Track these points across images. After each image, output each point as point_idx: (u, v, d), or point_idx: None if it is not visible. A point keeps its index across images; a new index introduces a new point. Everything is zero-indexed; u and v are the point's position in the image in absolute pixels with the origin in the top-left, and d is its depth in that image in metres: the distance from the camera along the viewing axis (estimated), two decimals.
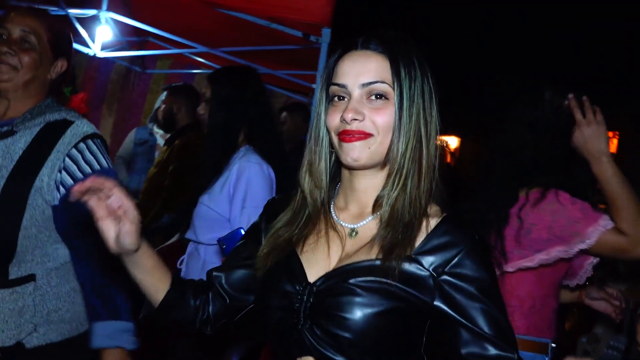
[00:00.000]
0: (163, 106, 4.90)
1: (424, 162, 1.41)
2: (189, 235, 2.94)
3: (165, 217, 4.30)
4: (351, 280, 1.36)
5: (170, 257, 3.29)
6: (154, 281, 1.52)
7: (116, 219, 1.34)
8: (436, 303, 1.37)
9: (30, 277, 2.01)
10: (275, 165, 2.91)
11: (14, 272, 1.99)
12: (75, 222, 2.00)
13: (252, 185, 2.79)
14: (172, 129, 4.81)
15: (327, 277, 1.40)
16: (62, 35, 2.20)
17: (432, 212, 1.45)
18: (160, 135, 5.66)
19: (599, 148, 2.24)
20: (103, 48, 5.38)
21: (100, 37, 5.22)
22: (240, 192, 2.79)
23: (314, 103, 3.65)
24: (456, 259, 1.37)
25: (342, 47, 1.48)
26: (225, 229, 2.82)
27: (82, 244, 2.03)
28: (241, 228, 2.37)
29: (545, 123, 2.39)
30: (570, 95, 2.33)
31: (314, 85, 5.99)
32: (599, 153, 2.23)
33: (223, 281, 1.60)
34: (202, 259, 2.87)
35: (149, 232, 3.99)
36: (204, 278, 1.67)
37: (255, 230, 1.64)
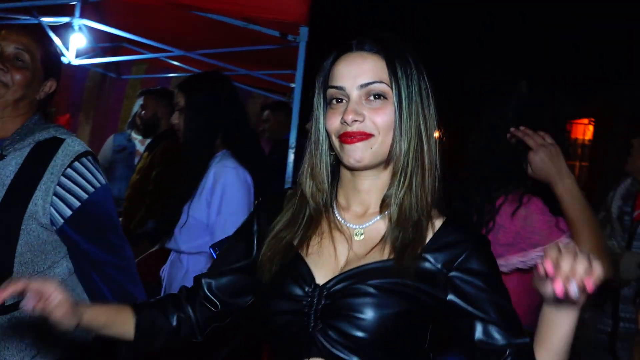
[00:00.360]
0: (144, 111, 4.86)
1: (426, 159, 1.43)
2: (170, 245, 2.92)
3: (150, 222, 4.27)
4: (367, 282, 1.37)
5: (152, 265, 3.27)
6: (118, 328, 1.52)
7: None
8: (450, 297, 1.40)
9: None
10: (252, 168, 2.91)
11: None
12: (88, 230, 2.01)
13: (228, 191, 2.79)
14: (152, 134, 4.79)
15: (339, 279, 1.40)
16: (54, 56, 2.19)
17: (434, 213, 1.47)
18: (138, 141, 5.63)
19: (560, 168, 2.16)
20: (77, 55, 5.31)
21: (74, 44, 5.16)
22: (216, 197, 2.79)
23: (295, 102, 3.70)
24: (463, 256, 1.41)
25: (336, 50, 1.49)
26: (206, 235, 2.81)
27: (96, 249, 2.04)
28: None
29: (515, 119, 2.40)
30: (513, 129, 2.28)
31: (292, 85, 6.00)
32: (561, 174, 2.15)
33: (213, 287, 1.58)
34: (184, 268, 2.86)
35: (135, 238, 3.96)
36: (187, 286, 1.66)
37: (245, 231, 1.62)
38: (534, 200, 2.29)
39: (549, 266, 1.19)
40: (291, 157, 3.69)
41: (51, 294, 1.37)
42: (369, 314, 1.34)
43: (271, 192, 1.66)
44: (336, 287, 1.39)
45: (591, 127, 9.81)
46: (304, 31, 3.72)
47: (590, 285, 1.17)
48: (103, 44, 5.75)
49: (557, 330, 1.32)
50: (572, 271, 1.18)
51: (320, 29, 4.11)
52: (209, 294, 1.58)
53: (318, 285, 1.41)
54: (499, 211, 2.34)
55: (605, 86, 8.68)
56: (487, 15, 8.30)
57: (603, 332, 3.23)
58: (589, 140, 9.94)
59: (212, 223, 2.80)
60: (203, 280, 1.60)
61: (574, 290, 1.17)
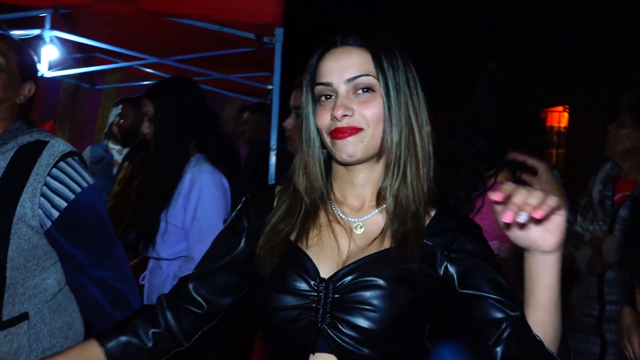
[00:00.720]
0: (122, 120, 4.81)
1: (418, 150, 1.44)
2: (150, 253, 2.90)
3: (131, 233, 4.24)
4: (374, 273, 1.38)
5: (137, 276, 3.25)
6: None
7: None
8: (450, 271, 1.42)
9: (24, 316, 1.97)
10: (228, 171, 2.90)
11: (6, 313, 1.95)
12: (75, 232, 1.99)
13: (204, 195, 2.78)
14: (131, 142, 4.74)
15: (346, 272, 1.40)
16: (29, 59, 2.17)
17: (429, 203, 1.49)
18: (116, 151, 5.58)
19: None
20: (50, 67, 5.26)
21: (46, 56, 5.09)
22: (192, 202, 2.77)
23: (274, 104, 3.70)
24: (459, 240, 1.44)
25: (321, 47, 1.49)
26: (184, 241, 2.80)
27: (82, 252, 2.01)
28: None
29: (485, 96, 2.42)
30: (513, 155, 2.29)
31: (269, 87, 6.01)
32: None
33: (199, 286, 1.55)
34: (164, 275, 2.84)
35: None
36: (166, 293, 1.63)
37: (233, 228, 1.59)
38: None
39: (498, 195, 1.20)
40: (273, 159, 3.68)
41: None
42: (380, 306, 1.35)
43: (258, 188, 1.64)
44: (344, 280, 1.39)
45: (566, 115, 9.92)
46: (279, 32, 3.73)
47: (539, 214, 1.16)
48: (75, 55, 5.72)
49: (539, 282, 1.29)
50: (524, 204, 1.18)
51: (296, 29, 4.11)
52: (194, 294, 1.55)
53: (324, 278, 1.40)
54: (485, 194, 2.38)
55: (580, 74, 8.78)
56: (459, 2, 8.34)
57: (590, 315, 3.27)
58: (565, 128, 10.06)
59: (187, 227, 2.79)
60: (188, 281, 1.57)
61: (522, 217, 1.17)
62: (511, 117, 2.45)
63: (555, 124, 10.15)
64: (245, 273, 1.54)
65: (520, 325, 1.34)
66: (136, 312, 1.58)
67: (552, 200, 1.19)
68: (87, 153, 5.63)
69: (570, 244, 3.32)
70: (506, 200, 1.20)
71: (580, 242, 3.35)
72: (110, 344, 1.48)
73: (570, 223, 3.38)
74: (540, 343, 1.30)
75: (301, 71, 2.66)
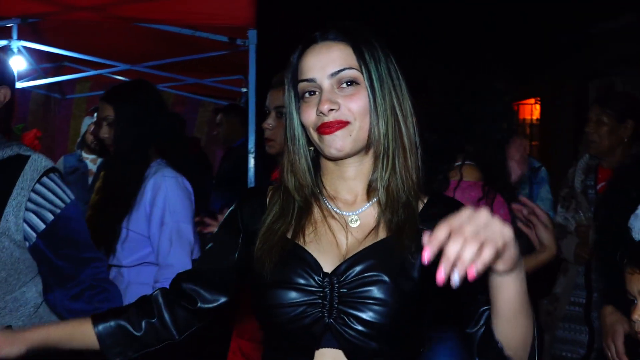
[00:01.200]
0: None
1: (405, 140, 1.45)
2: (112, 261, 2.86)
3: None
4: (377, 267, 1.38)
5: None
6: (78, 342, 1.53)
7: None
8: None
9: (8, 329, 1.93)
10: (190, 175, 2.88)
11: None
12: (61, 245, 1.99)
13: (171, 201, 2.74)
14: (108, 152, 4.68)
15: (348, 265, 1.40)
16: (2, 64, 2.13)
17: (419, 191, 1.50)
18: (90, 161, 5.51)
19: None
20: (18, 79, 5.17)
21: (14, 67, 5.01)
22: (158, 209, 2.73)
23: (250, 106, 3.68)
24: None
25: (301, 44, 1.50)
26: (146, 247, 2.78)
27: (66, 264, 2.01)
28: None
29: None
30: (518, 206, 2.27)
31: (243, 89, 6.00)
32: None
33: (195, 285, 1.56)
34: (126, 282, 2.80)
35: None
36: (128, 301, 1.66)
37: (229, 228, 1.59)
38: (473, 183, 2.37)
39: (429, 250, 1.06)
40: (251, 162, 3.67)
41: None
42: (387, 300, 1.35)
43: (249, 189, 1.65)
44: (348, 273, 1.39)
45: (538, 107, 10.03)
46: (252, 34, 3.72)
47: (472, 274, 1.04)
48: (44, 65, 5.63)
49: (499, 294, 1.24)
50: (458, 256, 1.04)
51: (269, 30, 4.10)
52: (189, 291, 1.56)
53: (327, 273, 1.40)
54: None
55: (548, 65, 8.89)
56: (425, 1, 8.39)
57: (577, 304, 3.32)
58: (537, 120, 10.17)
59: (153, 234, 2.75)
60: (185, 277, 1.59)
61: (455, 280, 1.04)
62: (466, 114, 2.47)
63: (528, 117, 10.27)
64: (242, 274, 1.54)
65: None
66: (133, 302, 1.61)
67: (488, 252, 1.06)
68: (60, 164, 5.54)
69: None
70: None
71: (564, 232, 3.40)
72: (102, 326, 1.52)
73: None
74: (500, 349, 1.31)
75: (276, 72, 2.68)
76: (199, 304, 1.55)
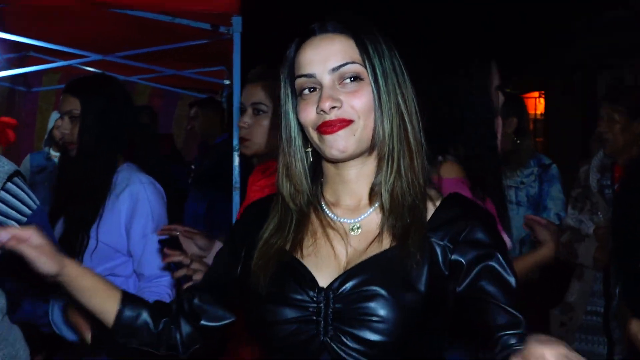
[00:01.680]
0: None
1: (411, 139, 1.42)
2: None
3: None
4: (375, 280, 1.35)
5: None
6: (99, 302, 1.55)
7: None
8: (456, 264, 1.37)
9: None
10: (160, 177, 2.81)
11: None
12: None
13: (155, 211, 2.68)
14: None
15: (344, 279, 1.38)
16: None
17: (432, 194, 1.48)
18: (58, 159, 5.41)
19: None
20: None
21: None
22: (139, 220, 2.64)
23: (235, 98, 3.59)
24: (468, 229, 1.40)
25: (298, 37, 1.47)
26: (119, 257, 2.69)
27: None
28: None
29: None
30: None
31: (226, 82, 5.93)
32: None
33: (200, 300, 1.58)
34: None
35: None
36: None
37: (233, 242, 1.61)
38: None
39: None
40: (236, 160, 3.60)
41: (29, 236, 1.43)
42: (387, 316, 1.32)
43: (253, 202, 1.65)
44: (343, 288, 1.37)
45: (542, 100, 10.06)
46: (237, 21, 3.64)
47: None
48: (7, 55, 5.53)
49: None
50: None
51: (255, 18, 4.03)
52: (195, 307, 1.58)
53: (322, 288, 1.39)
54: None
55: (553, 54, 8.90)
56: None
57: (594, 313, 3.28)
58: (541, 114, 10.20)
59: (133, 245, 2.66)
60: (191, 293, 1.61)
61: None
62: (457, 118, 2.43)
63: (532, 111, 10.28)
64: (243, 291, 1.53)
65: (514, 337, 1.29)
66: (159, 301, 1.67)
67: None
68: (26, 163, 5.47)
69: (567, 238, 3.33)
70: None
71: (580, 235, 3.36)
72: (128, 305, 1.56)
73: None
74: None
75: (262, 62, 2.59)
76: (202, 321, 1.57)
